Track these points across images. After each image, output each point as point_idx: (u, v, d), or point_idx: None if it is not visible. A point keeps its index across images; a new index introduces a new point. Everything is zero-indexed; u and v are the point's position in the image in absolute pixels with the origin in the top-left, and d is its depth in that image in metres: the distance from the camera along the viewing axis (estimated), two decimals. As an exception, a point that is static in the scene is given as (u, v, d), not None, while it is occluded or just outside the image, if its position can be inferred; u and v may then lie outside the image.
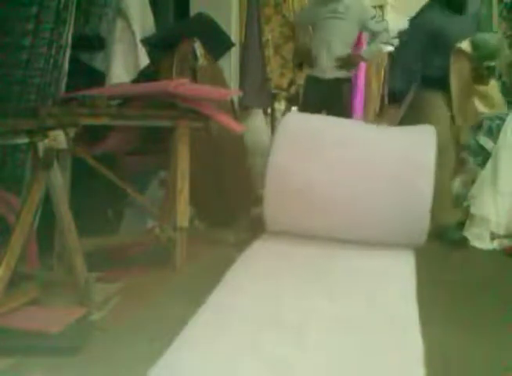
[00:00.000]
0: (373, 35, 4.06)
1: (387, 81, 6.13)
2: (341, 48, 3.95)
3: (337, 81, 3.98)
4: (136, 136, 2.92)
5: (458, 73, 3.31)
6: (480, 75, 3.34)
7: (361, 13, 3.94)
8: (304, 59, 4.25)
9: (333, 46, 3.93)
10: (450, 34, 3.32)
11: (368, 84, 6.11)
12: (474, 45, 3.30)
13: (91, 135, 2.58)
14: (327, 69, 3.97)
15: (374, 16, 4.01)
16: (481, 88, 3.47)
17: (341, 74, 3.98)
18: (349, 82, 4.12)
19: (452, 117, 3.37)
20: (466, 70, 3.34)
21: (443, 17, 3.36)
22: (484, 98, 3.55)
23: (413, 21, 3.53)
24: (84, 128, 2.35)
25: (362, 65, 5.85)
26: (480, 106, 3.52)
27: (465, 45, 3.31)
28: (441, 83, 3.36)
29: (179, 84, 2.61)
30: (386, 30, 4.05)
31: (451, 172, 3.41)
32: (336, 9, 3.87)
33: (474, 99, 3.49)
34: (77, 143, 2.47)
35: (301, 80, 5.13)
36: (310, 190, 2.89)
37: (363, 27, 4.02)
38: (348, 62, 3.96)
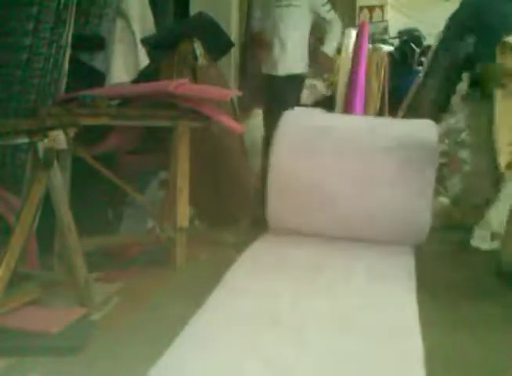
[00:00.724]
0: (326, 25, 3.77)
1: (388, 80, 6.13)
2: (294, 38, 3.67)
3: (290, 80, 3.70)
4: (136, 136, 2.92)
5: (504, 76, 2.54)
6: None
7: None
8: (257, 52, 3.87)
9: (285, 36, 3.65)
10: (503, 26, 2.62)
11: (368, 83, 6.10)
12: None
13: (91, 135, 2.58)
14: (279, 63, 3.69)
15: (325, 4, 3.74)
16: None
17: (296, 68, 3.72)
18: (303, 80, 3.87)
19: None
20: None
21: (499, 2, 2.68)
22: None
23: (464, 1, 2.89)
24: (84, 127, 2.35)
25: (363, 62, 5.81)
26: None
27: None
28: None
29: (179, 85, 2.61)
30: (337, 19, 3.79)
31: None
32: None
33: None
34: (77, 143, 2.48)
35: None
36: (311, 188, 2.90)
37: (315, 14, 3.72)
38: (317, 62, 3.81)
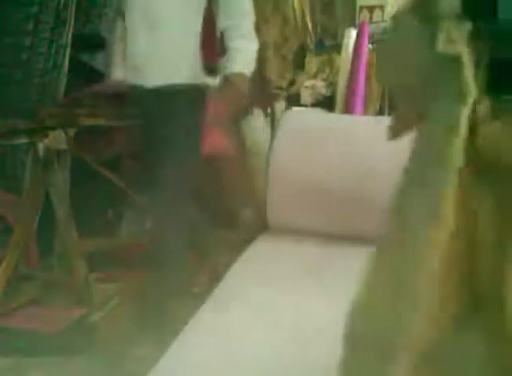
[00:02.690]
0: (226, 19, 2.06)
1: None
2: (176, 29, 2.01)
3: (172, 96, 2.00)
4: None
5: None
6: None
7: None
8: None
9: (161, 25, 2.01)
10: None
11: (368, 83, 6.10)
12: None
13: (97, 137, 2.58)
14: (150, 68, 2.03)
15: None
16: None
17: (183, 76, 2.03)
18: (198, 97, 2.03)
19: None
20: None
21: None
22: None
23: None
24: (88, 128, 2.36)
25: (363, 62, 5.81)
26: None
27: None
28: None
29: None
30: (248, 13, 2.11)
31: None
32: None
33: None
34: (79, 145, 2.47)
35: (302, 80, 5.12)
36: (312, 187, 2.90)
37: None
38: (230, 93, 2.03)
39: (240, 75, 2.05)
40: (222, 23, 2.07)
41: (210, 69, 2.07)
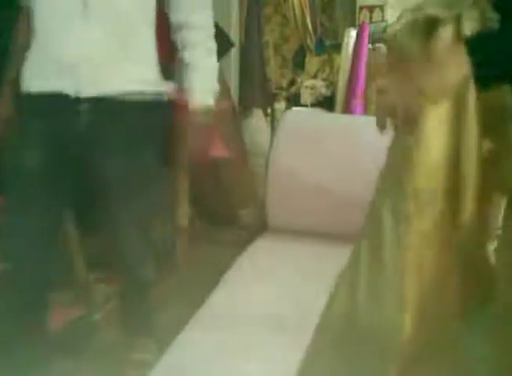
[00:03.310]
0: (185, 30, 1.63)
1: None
2: (122, 19, 1.51)
3: (122, 107, 1.53)
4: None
5: None
6: None
7: None
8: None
9: (99, 11, 1.48)
10: None
11: (368, 82, 6.08)
12: None
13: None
14: (83, 68, 1.49)
15: None
16: None
17: (134, 82, 1.54)
18: (162, 110, 1.65)
19: None
20: None
21: None
22: None
23: None
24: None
25: (363, 62, 5.77)
26: None
27: None
28: None
29: None
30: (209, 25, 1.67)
31: None
32: None
33: None
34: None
35: (302, 80, 5.13)
36: (311, 187, 2.90)
37: None
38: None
39: (205, 110, 1.63)
40: (173, 17, 1.65)
41: (165, 71, 1.67)
